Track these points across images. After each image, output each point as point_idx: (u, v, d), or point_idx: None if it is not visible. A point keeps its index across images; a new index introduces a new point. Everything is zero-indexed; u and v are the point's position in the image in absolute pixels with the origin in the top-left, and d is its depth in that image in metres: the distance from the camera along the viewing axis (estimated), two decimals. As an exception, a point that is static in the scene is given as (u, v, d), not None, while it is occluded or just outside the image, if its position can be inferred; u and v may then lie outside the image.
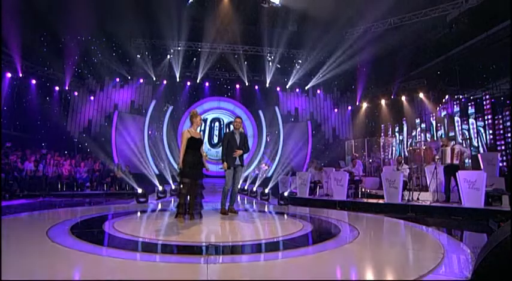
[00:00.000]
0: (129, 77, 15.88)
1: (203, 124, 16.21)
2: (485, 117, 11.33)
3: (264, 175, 15.30)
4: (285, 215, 6.25)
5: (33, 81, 13.76)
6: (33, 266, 2.55)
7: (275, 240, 3.73)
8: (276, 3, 11.44)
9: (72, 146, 14.13)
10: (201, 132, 16.09)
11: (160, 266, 2.69)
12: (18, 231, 4.11)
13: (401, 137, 14.21)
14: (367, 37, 13.59)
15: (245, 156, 6.14)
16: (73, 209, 6.53)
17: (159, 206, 7.38)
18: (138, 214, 6.06)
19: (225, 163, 5.74)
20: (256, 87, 16.77)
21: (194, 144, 4.96)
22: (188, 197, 4.91)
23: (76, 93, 15.18)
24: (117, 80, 15.82)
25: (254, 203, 8.73)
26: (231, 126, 5.91)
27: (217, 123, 16.66)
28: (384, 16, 12.57)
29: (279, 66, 16.14)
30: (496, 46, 10.52)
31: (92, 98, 15.44)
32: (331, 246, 3.52)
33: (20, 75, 13.22)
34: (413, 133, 13.73)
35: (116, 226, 4.30)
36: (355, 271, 2.74)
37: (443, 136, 12.29)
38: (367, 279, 2.51)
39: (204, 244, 3.40)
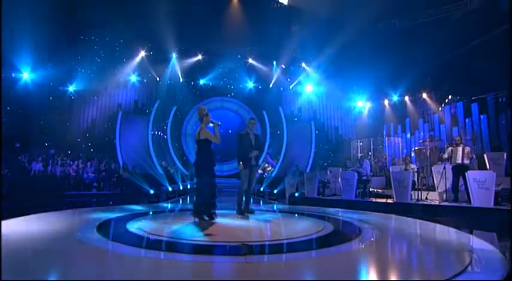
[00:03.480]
0: (132, 77, 15.84)
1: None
2: (489, 117, 11.46)
3: (267, 175, 15.35)
4: (301, 215, 6.32)
5: (37, 81, 13.67)
6: (70, 267, 2.58)
7: (304, 239, 3.77)
8: (284, 4, 11.48)
9: (75, 146, 14.10)
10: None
11: (198, 266, 2.73)
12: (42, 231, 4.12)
13: (404, 137, 14.31)
14: (370, 38, 13.67)
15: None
16: (89, 209, 6.55)
17: (176, 207, 7.44)
18: (157, 214, 6.10)
19: (241, 163, 5.78)
20: (260, 87, 16.80)
21: (209, 142, 4.96)
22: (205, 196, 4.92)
23: (79, 93, 15.10)
24: (121, 79, 15.77)
25: (264, 204, 8.77)
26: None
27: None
28: (388, 17, 12.66)
29: (283, 66, 16.18)
30: (500, 46, 10.63)
31: (95, 97, 15.38)
32: (357, 246, 3.58)
33: (23, 75, 13.16)
34: (417, 133, 13.83)
35: (140, 226, 4.34)
36: (384, 270, 2.79)
37: (444, 135, 12.50)
38: (398, 279, 2.56)
39: (238, 243, 3.43)
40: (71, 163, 10.97)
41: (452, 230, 4.80)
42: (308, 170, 14.39)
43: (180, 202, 8.78)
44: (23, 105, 13.25)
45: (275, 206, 8.11)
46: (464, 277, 2.51)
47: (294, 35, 14.18)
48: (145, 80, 16.07)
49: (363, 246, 3.58)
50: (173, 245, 3.44)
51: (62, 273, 2.50)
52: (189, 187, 11.57)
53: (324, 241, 3.76)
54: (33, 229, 4.14)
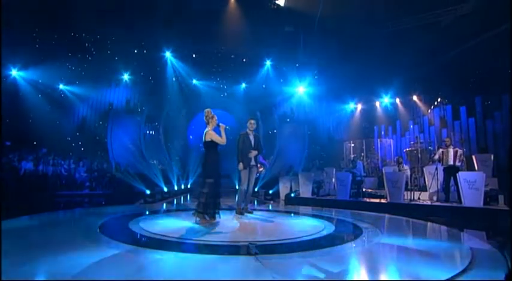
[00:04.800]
0: (125, 76, 15.64)
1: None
2: (476, 120, 11.82)
3: (259, 175, 15.40)
4: (300, 215, 6.39)
5: (26, 79, 13.37)
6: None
7: (307, 239, 3.84)
8: (280, 5, 11.57)
9: (65, 145, 13.81)
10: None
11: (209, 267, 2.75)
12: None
13: (395, 139, 14.59)
14: (364, 40, 13.90)
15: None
16: (88, 209, 6.47)
17: (175, 207, 7.42)
18: (158, 214, 6.09)
19: (241, 163, 5.82)
20: (253, 87, 16.83)
21: (215, 144, 5.02)
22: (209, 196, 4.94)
23: (70, 91, 14.83)
24: (112, 78, 15.55)
25: (260, 204, 8.80)
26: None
27: (213, 123, 16.58)
28: (382, 20, 12.92)
29: (277, 67, 16.27)
30: (489, 52, 11.01)
31: (86, 96, 15.11)
32: (360, 245, 3.67)
33: (13, 72, 12.85)
34: (407, 135, 14.13)
35: (144, 226, 4.33)
36: (385, 270, 2.87)
37: (433, 137, 12.86)
38: (399, 279, 2.61)
39: (244, 243, 3.47)
40: (62, 162, 10.76)
41: (450, 230, 4.94)
42: (300, 170, 14.51)
43: (175, 202, 8.73)
44: (11, 102, 12.91)
45: (271, 206, 8.16)
46: (465, 277, 2.58)
47: (288, 36, 14.26)
48: (137, 79, 15.89)
49: (366, 246, 3.67)
50: (181, 246, 3.45)
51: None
52: (183, 187, 11.54)
53: (327, 240, 3.84)
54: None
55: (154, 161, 14.48)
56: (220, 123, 5.09)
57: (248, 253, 3.05)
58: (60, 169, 10.43)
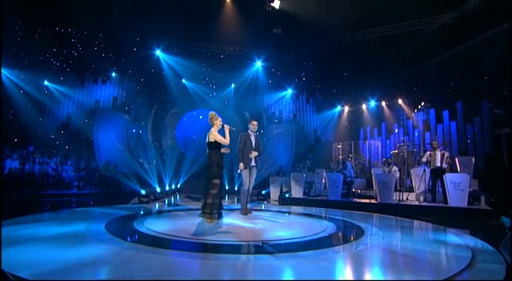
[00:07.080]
0: (112, 73, 15.29)
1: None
2: (458, 124, 12.41)
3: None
4: (298, 214, 6.54)
5: (8, 74, 12.83)
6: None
7: (316, 237, 3.98)
8: (276, 8, 11.70)
9: (49, 143, 13.33)
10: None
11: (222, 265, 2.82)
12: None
13: (381, 141, 15.07)
14: (352, 44, 14.28)
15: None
16: (86, 210, 6.35)
17: (176, 207, 7.40)
18: (159, 214, 6.06)
19: (241, 163, 5.90)
20: (242, 87, 16.88)
21: (218, 145, 5.09)
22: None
23: (54, 88, 14.34)
24: (99, 74, 15.16)
25: (256, 204, 8.86)
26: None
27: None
28: (370, 26, 13.33)
29: (266, 68, 16.39)
30: (470, 58, 11.61)
31: (71, 92, 14.65)
32: (363, 245, 3.83)
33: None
34: (392, 137, 14.63)
35: (150, 226, 4.32)
36: (385, 269, 3.00)
37: (418, 140, 13.41)
38: (397, 279, 2.72)
39: (257, 242, 3.55)
40: (48, 160, 10.42)
41: (446, 228, 5.20)
42: (289, 171, 14.70)
43: (170, 201, 8.65)
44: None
45: (266, 206, 8.26)
46: (466, 275, 2.73)
47: (279, 38, 14.40)
48: (125, 77, 15.56)
49: (372, 243, 3.85)
50: (196, 245, 3.49)
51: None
52: (173, 186, 11.45)
53: (334, 239, 3.99)
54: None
55: (140, 160, 14.26)
56: (225, 124, 5.19)
57: (264, 252, 3.14)
58: (47, 167, 10.10)
